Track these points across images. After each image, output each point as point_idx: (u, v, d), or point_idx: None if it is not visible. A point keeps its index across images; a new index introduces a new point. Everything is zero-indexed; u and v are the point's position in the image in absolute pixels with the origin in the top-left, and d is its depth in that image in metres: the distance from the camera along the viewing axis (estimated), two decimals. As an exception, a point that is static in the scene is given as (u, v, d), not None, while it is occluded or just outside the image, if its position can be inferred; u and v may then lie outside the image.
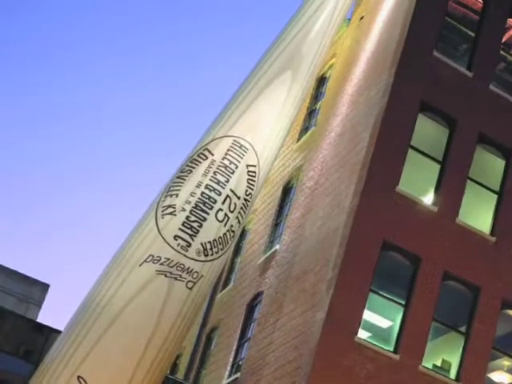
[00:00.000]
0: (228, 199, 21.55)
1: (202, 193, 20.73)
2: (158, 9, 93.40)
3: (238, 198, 22.11)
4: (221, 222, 19.25)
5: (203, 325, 34.91)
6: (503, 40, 33.92)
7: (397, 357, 28.17)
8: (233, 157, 21.70)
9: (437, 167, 30.94)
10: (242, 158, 22.23)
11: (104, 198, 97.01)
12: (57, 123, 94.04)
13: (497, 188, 31.75)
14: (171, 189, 19.64)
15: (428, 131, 31.29)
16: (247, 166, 21.89)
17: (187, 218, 18.80)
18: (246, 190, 22.62)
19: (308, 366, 27.14)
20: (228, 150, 21.59)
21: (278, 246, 33.86)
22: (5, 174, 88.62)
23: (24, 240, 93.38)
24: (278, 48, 24.58)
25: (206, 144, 21.60)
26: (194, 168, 20.67)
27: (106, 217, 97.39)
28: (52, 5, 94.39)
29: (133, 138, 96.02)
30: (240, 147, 22.02)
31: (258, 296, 33.92)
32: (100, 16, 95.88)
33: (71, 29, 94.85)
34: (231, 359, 34.28)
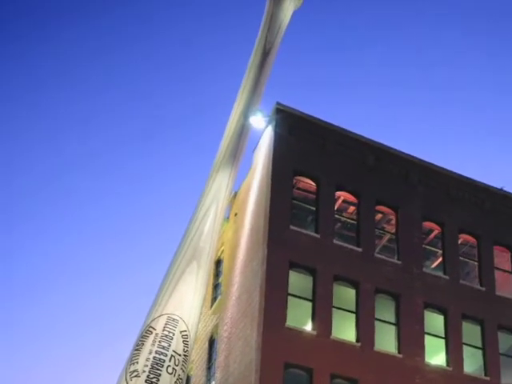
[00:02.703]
0: (173, 358, 22.87)
1: (154, 357, 22.03)
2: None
3: (180, 355, 23.43)
4: (171, 374, 20.49)
5: None
6: (336, 207, 34.64)
7: None
8: (169, 328, 23.09)
9: (309, 304, 31.41)
10: (175, 327, 23.59)
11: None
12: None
13: (353, 309, 32.34)
14: (132, 359, 20.88)
15: (298, 281, 31.76)
16: (181, 332, 23.29)
17: (148, 376, 20.01)
18: (184, 349, 23.95)
19: None
20: (165, 324, 22.99)
21: (213, 383, 33.98)
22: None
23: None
24: (184, 246, 26.07)
25: (150, 323, 22.95)
26: (144, 341, 21.99)
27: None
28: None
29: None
30: (173, 320, 23.43)
31: (207, 419, 33.99)
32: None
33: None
34: None
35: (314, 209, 33.85)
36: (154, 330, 22.47)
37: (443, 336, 33.87)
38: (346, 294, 32.48)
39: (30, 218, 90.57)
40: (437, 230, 36.52)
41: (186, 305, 23.64)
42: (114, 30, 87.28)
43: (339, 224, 35.24)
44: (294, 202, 33.61)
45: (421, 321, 33.32)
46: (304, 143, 34.57)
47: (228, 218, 36.99)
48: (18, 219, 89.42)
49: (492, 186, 38.38)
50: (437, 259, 36.71)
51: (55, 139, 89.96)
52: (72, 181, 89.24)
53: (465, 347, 33.98)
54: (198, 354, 36.52)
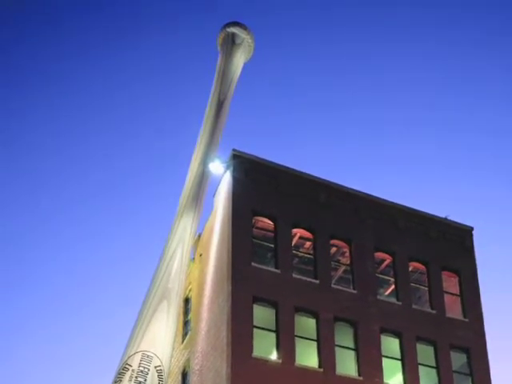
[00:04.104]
0: (149, 392, 23.21)
1: (131, 392, 22.43)
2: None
3: (155, 389, 23.75)
4: (147, 406, 20.99)
5: None
6: (293, 244, 35.21)
7: None
8: (145, 364, 23.82)
9: (273, 334, 31.96)
10: (150, 363, 24.31)
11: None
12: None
13: (315, 337, 32.92)
14: (112, 394, 21.47)
15: (262, 313, 32.27)
16: (155, 367, 24.03)
17: (126, 410, 20.56)
18: (159, 382, 24.69)
19: None
20: (140, 360, 23.72)
21: None
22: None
23: None
24: (154, 287, 26.84)
25: (126, 360, 23.67)
26: (122, 378, 22.72)
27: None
28: None
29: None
30: (147, 357, 24.16)
31: None
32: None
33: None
34: None
35: (273, 246, 34.48)
36: (131, 366, 23.13)
37: (399, 358, 34.67)
38: (307, 324, 33.16)
39: (22, 259, 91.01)
40: (388, 260, 37.39)
41: (159, 341, 24.30)
42: (67, 93, 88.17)
43: (297, 259, 35.70)
44: (254, 240, 34.18)
45: (378, 345, 34.13)
46: (260, 185, 35.34)
47: (193, 258, 37.39)
48: (15, 258, 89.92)
49: (437, 216, 39.54)
50: (390, 287, 37.56)
51: (34, 191, 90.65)
52: (54, 227, 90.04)
53: (420, 367, 34.87)
54: (173, 387, 36.97)
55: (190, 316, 37.02)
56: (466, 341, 36.44)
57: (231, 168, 34.91)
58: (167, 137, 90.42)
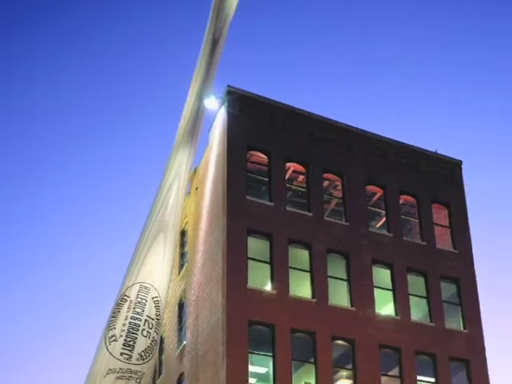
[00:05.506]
0: (147, 322, 23.16)
1: (130, 322, 22.24)
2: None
3: (152, 319, 23.72)
4: (145, 336, 20.93)
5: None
6: (287, 177, 35.11)
7: (274, 387, 29.81)
8: (142, 295, 23.32)
9: (268, 266, 31.99)
10: (147, 294, 23.82)
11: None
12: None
13: (308, 268, 32.94)
14: (110, 325, 21.19)
15: (256, 245, 32.31)
16: (152, 298, 23.49)
17: (125, 340, 20.35)
18: (156, 313, 24.25)
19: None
20: (138, 291, 23.22)
21: (185, 342, 34.50)
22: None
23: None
24: (150, 221, 26.23)
25: (124, 291, 23.18)
26: (120, 308, 22.20)
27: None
28: None
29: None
30: (145, 288, 23.66)
31: (181, 375, 34.43)
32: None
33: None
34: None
35: (267, 180, 34.44)
36: (129, 297, 22.80)
37: (391, 288, 34.75)
38: (300, 256, 33.16)
39: (9, 202, 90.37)
40: (379, 193, 37.26)
41: (156, 273, 23.97)
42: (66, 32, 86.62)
43: (290, 192, 35.69)
44: (249, 174, 34.11)
45: (369, 276, 34.16)
46: (255, 121, 35.02)
47: (189, 192, 37.30)
48: (14, 196, 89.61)
49: (427, 150, 39.25)
50: (381, 219, 37.38)
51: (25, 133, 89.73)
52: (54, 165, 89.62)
53: (411, 297, 34.96)
54: (170, 318, 36.96)
55: (187, 248, 37.07)
56: (456, 271, 36.45)
57: (226, 104, 34.58)
58: (164, 73, 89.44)
